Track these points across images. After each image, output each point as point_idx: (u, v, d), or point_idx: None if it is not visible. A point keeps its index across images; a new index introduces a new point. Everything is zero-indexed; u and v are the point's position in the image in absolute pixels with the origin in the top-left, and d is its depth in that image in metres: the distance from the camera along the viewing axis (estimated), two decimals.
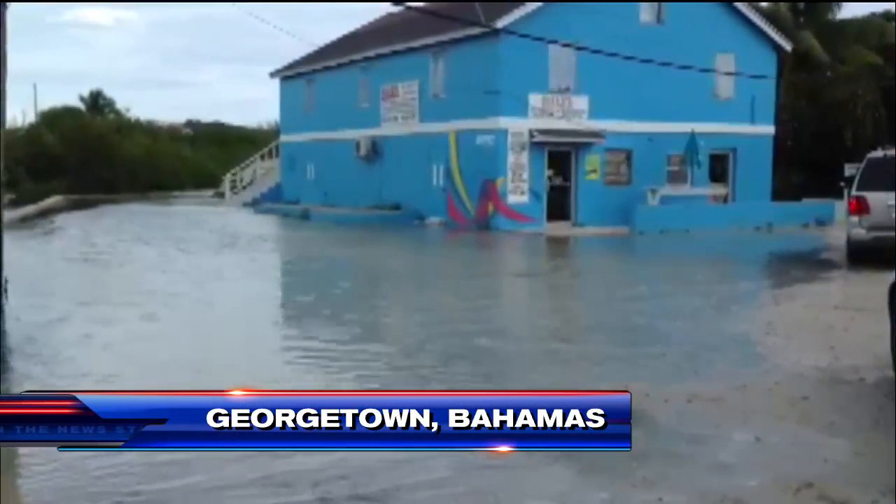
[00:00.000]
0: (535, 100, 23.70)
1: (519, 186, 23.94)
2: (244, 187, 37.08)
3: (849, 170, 23.37)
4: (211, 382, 7.23)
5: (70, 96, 54.31)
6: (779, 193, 27.28)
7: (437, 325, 10.04)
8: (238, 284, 13.34)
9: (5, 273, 11.78)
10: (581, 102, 24.28)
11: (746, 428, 6.07)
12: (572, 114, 24.18)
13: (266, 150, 37.98)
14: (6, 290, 11.57)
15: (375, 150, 28.48)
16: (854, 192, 14.83)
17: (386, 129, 28.12)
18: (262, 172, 37.31)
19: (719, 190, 26.27)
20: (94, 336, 9.28)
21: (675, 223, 23.03)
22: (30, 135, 44.10)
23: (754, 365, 8.03)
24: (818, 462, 5.33)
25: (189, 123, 58.48)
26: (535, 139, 23.65)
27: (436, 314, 10.73)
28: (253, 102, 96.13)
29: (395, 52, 27.27)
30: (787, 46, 27.18)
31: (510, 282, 14.91)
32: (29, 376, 7.57)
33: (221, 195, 37.47)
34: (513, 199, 23.84)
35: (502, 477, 5.04)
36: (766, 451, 5.63)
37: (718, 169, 26.78)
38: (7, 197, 33.40)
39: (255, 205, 33.69)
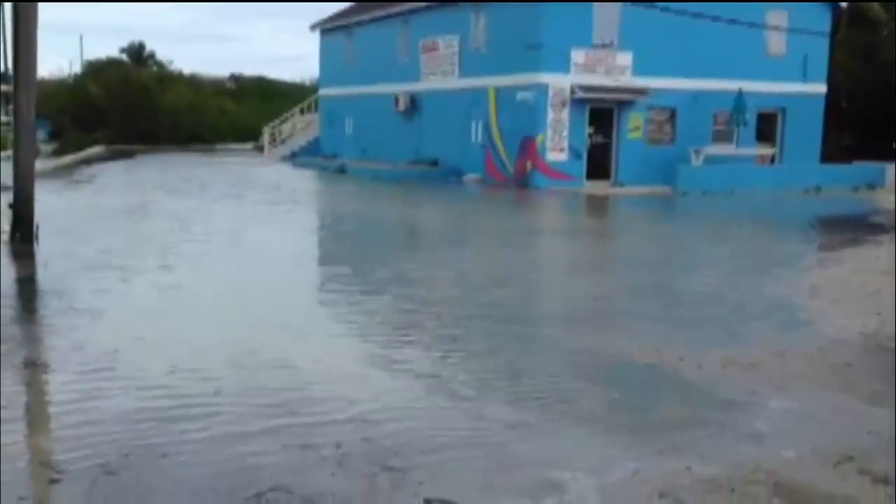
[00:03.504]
0: (577, 55, 23.13)
1: (559, 144, 23.48)
2: (283, 141, 37.00)
3: None
4: (230, 337, 7.12)
5: (116, 49, 54.27)
6: (828, 155, 26.46)
7: (472, 281, 9.83)
8: (264, 239, 13.21)
9: (37, 219, 11.87)
10: (625, 58, 23.64)
11: (784, 395, 5.80)
12: (615, 70, 23.58)
13: (305, 103, 37.78)
14: (38, 236, 11.64)
15: (414, 105, 28.14)
16: None
17: (425, 84, 27.73)
18: (301, 126, 37.17)
19: (766, 150, 25.54)
20: (114, 289, 9.21)
21: (720, 184, 22.45)
22: (75, 85, 44.47)
23: (795, 330, 7.72)
24: (860, 434, 5.04)
25: (232, 77, 58.42)
26: (577, 96, 23.12)
27: (471, 272, 10.51)
28: (298, 58, 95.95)
29: (436, 5, 26.77)
30: (843, 2, 26.14)
31: (547, 240, 14.62)
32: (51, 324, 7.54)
33: (261, 149, 37.45)
34: (552, 156, 23.40)
35: (524, 443, 4.84)
36: (804, 420, 5.36)
37: (766, 129, 26.01)
38: (51, 146, 34.18)
39: (293, 158, 33.62)
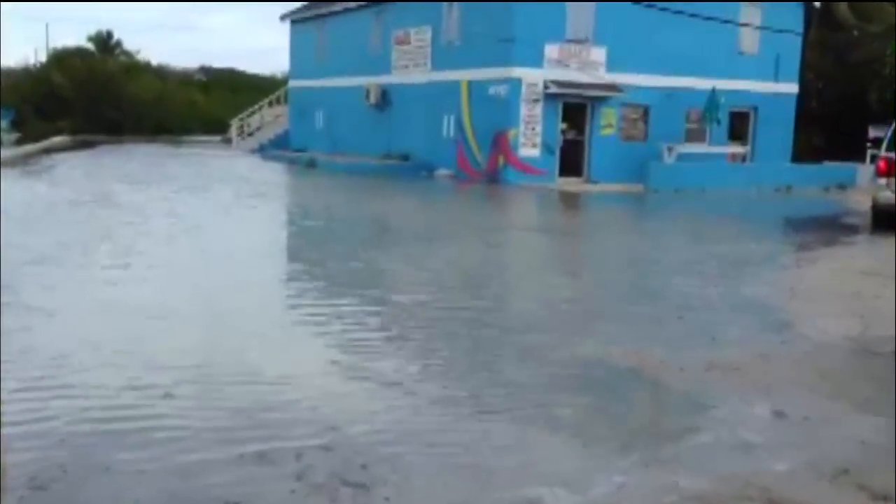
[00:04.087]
0: (551, 50, 22.84)
1: (531, 139, 23.19)
2: (251, 134, 36.38)
3: (873, 131, 22.56)
4: (173, 327, 6.70)
5: (84, 39, 53.12)
6: (800, 155, 26.44)
7: (440, 281, 9.48)
8: (226, 234, 12.74)
9: None
10: (599, 54, 23.39)
11: (771, 402, 5.52)
12: (589, 65, 23.31)
13: (274, 96, 37.18)
14: None
15: (385, 98, 27.70)
16: (883, 153, 14.09)
17: (397, 77, 27.31)
18: (270, 119, 36.57)
19: (738, 149, 25.45)
20: (64, 282, 8.74)
21: (692, 182, 22.28)
22: (38, 74, 43.44)
23: (778, 332, 7.45)
24: (854, 444, 4.77)
25: (202, 69, 57.53)
26: (550, 91, 22.83)
27: (440, 270, 10.15)
28: (269, 51, 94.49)
29: None
30: (816, 2, 26.11)
31: (519, 237, 14.30)
32: None
33: (229, 141, 36.81)
34: (524, 151, 23.10)
35: (496, 458, 4.50)
36: (794, 429, 5.07)
37: (738, 127, 25.92)
38: (14, 135, 33.32)
39: (262, 151, 33.02)
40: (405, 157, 26.07)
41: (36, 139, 31.96)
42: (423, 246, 11.86)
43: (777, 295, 9.12)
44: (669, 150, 23.43)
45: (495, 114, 23.10)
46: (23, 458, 4.23)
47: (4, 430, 4.53)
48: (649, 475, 4.31)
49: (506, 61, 22.56)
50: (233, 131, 36.77)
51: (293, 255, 11.78)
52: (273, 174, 25.00)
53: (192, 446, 4.49)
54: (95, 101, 39.58)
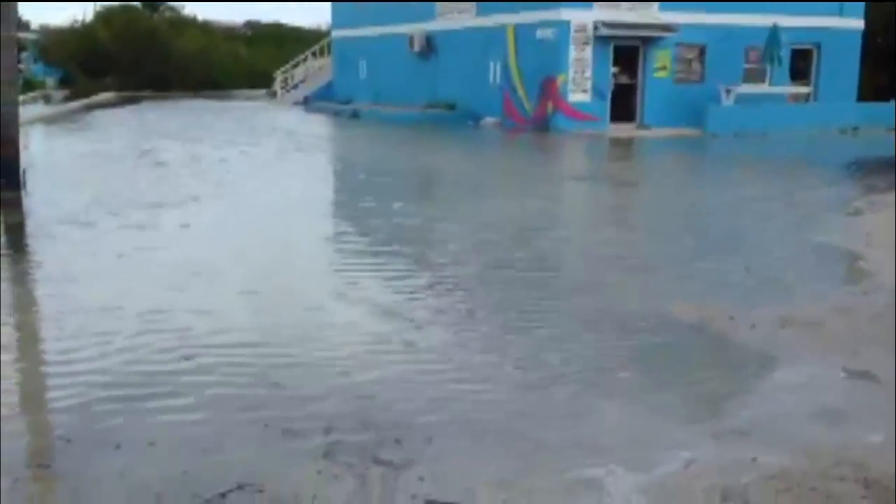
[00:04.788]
0: None
1: (581, 84, 22.29)
2: (295, 86, 35.90)
3: None
4: (205, 285, 6.30)
5: None
6: (865, 94, 25.09)
7: (490, 235, 8.94)
8: (268, 188, 12.31)
9: (26, 164, 11.12)
10: None
11: (856, 361, 4.91)
12: (641, 5, 22.24)
13: (318, 46, 36.56)
14: (25, 183, 10.88)
15: (430, 45, 26.92)
16: None
17: (441, 23, 26.48)
18: (313, 71, 36.02)
19: (800, 89, 24.21)
20: (105, 240, 8.41)
21: (752, 124, 21.26)
22: (85, 32, 43.40)
23: (856, 282, 6.80)
24: None
25: (248, 24, 57.15)
26: (600, 33, 21.85)
27: (492, 220, 9.60)
28: (313, 3, 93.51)
29: None
30: None
31: (571, 187, 13.65)
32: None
33: (274, 94, 36.41)
34: (574, 97, 22.23)
35: (553, 426, 4.00)
36: (885, 393, 4.47)
37: (800, 66, 24.64)
38: (62, 93, 33.42)
39: (305, 103, 32.56)
40: (450, 106, 25.36)
41: (82, 96, 31.94)
42: (472, 198, 11.29)
43: (852, 242, 8.40)
44: (727, 91, 22.35)
45: (543, 58, 22.23)
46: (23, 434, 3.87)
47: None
48: (721, 449, 3.78)
49: (554, 3, 21.63)
50: (277, 84, 36.35)
51: (336, 210, 11.32)
52: (316, 126, 24.55)
53: (210, 417, 4.08)
54: (141, 56, 39.41)
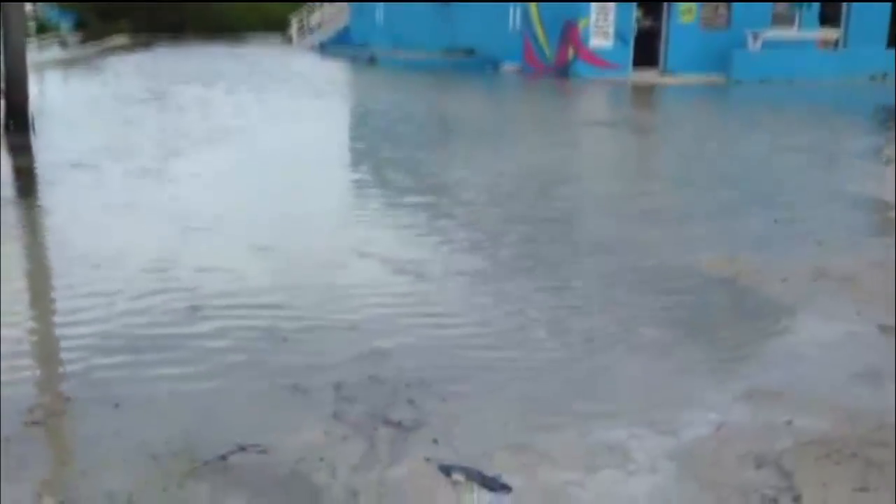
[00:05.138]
0: None
1: (603, 29, 21.68)
2: (312, 31, 35.32)
3: None
4: (214, 236, 6.09)
5: None
6: (894, 39, 24.29)
7: (512, 184, 8.66)
8: (282, 134, 12.03)
9: (33, 109, 10.91)
10: None
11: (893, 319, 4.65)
12: None
13: None
14: (34, 126, 10.69)
15: None
16: None
17: None
18: (330, 16, 35.39)
19: (829, 34, 23.44)
20: (111, 185, 8.21)
21: (778, 71, 20.66)
22: None
23: (892, 234, 6.48)
24: None
25: None
26: None
27: (514, 170, 9.30)
28: None
29: None
30: None
31: (593, 135, 13.27)
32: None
33: (289, 40, 35.87)
34: (596, 42, 21.66)
35: (575, 386, 3.79)
36: None
37: (829, 10, 23.84)
38: (76, 37, 33.06)
39: (321, 49, 32.05)
40: (469, 52, 24.81)
41: (96, 40, 31.58)
42: (494, 148, 10.93)
43: (887, 192, 8.05)
44: (754, 36, 21.68)
45: (564, 2, 21.62)
46: (19, 385, 3.70)
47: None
48: (754, 411, 3.56)
49: None
50: (293, 29, 35.78)
51: (352, 159, 11.04)
52: (332, 71, 24.12)
53: (216, 370, 3.89)
54: (155, 1, 38.87)
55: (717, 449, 3.25)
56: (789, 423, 3.44)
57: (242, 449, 3.20)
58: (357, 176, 9.27)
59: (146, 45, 31.94)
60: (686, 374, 3.93)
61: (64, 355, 4.13)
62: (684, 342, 4.33)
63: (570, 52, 21.68)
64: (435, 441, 3.27)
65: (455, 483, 2.98)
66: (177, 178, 8.42)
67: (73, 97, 15.48)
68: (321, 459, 3.14)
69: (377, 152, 10.48)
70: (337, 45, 32.06)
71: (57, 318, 4.71)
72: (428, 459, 3.14)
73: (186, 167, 8.92)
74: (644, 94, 19.47)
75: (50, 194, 7.74)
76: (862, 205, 7.58)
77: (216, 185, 8.26)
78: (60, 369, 4.00)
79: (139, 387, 3.72)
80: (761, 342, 4.36)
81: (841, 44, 23.84)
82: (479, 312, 4.71)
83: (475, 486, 2.96)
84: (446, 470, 3.06)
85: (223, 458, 3.15)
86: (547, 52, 22.43)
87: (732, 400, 3.66)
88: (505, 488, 2.96)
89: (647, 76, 21.47)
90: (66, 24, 38.15)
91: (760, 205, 7.49)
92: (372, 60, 26.62)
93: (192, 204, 7.24)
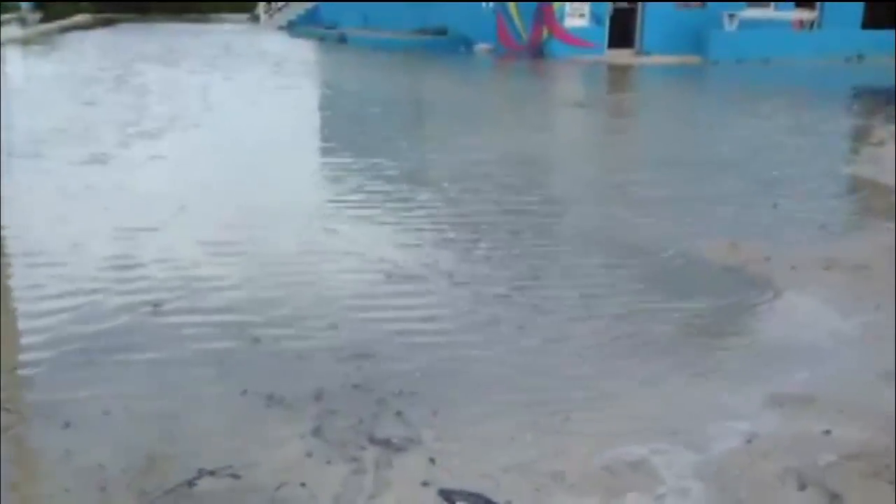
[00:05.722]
0: None
1: (578, 8, 21.27)
2: (279, 9, 34.54)
3: None
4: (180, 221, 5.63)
5: None
6: (869, 20, 24.15)
7: (490, 168, 8.25)
8: (244, 115, 11.51)
9: None
10: None
11: None
12: None
13: None
14: None
15: None
16: None
17: None
18: None
19: (805, 14, 23.26)
20: (53, 169, 7.68)
21: (754, 51, 20.42)
22: None
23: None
24: None
25: None
26: None
27: (486, 149, 8.89)
28: None
29: None
30: None
31: (572, 116, 12.88)
32: None
33: (256, 18, 35.08)
34: (571, 22, 21.26)
35: (582, 394, 3.40)
36: None
37: None
38: (37, 15, 32.03)
39: (290, 28, 31.34)
40: (441, 32, 24.28)
41: (58, 18, 30.60)
42: (469, 131, 10.49)
43: (883, 174, 7.76)
44: (731, 16, 21.41)
45: None
46: None
47: None
48: (787, 420, 3.20)
49: None
50: (260, 8, 34.98)
51: (321, 142, 10.56)
52: (300, 51, 23.46)
53: (181, 378, 3.46)
54: None
55: (752, 465, 2.89)
56: (828, 432, 3.08)
57: (211, 473, 2.77)
58: (328, 161, 8.80)
59: (109, 23, 31.01)
60: (702, 377, 3.56)
61: (5, 359, 3.67)
62: (695, 340, 3.96)
63: (545, 32, 21.26)
64: (431, 461, 2.87)
65: None
66: (136, 162, 7.89)
67: (31, 76, 14.78)
68: (303, 485, 2.73)
69: (350, 137, 10.00)
70: (305, 24, 31.36)
71: None
72: (425, 484, 2.74)
73: (146, 151, 8.38)
74: (621, 74, 19.12)
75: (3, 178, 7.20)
76: (860, 187, 7.28)
77: (177, 171, 7.75)
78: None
79: (92, 399, 3.27)
80: (780, 340, 4.00)
81: (816, 24, 23.68)
82: (465, 309, 4.30)
83: None
84: (448, 497, 2.66)
85: (190, 484, 2.72)
86: (521, 31, 21.99)
87: (760, 406, 3.29)
88: None
89: (623, 56, 21.12)
90: (27, 4, 37.02)
91: (755, 188, 7.15)
92: (342, 39, 26.01)
93: (152, 189, 6.74)
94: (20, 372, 3.54)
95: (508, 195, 6.79)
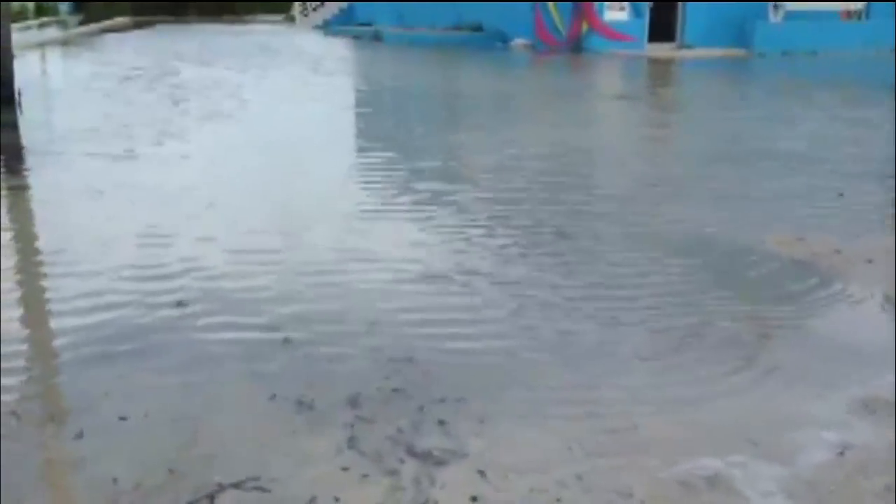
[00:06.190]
0: None
1: (618, 1, 20.88)
2: (314, 9, 34.44)
3: None
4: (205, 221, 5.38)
5: None
6: None
7: (538, 164, 7.91)
8: (282, 113, 11.27)
9: (20, 85, 10.24)
10: None
11: None
12: None
13: None
14: (21, 102, 10.02)
15: None
16: None
17: None
18: None
19: (852, 5, 22.60)
20: (101, 166, 7.49)
21: (801, 43, 19.84)
22: None
23: None
24: None
25: None
26: None
27: (533, 153, 8.54)
28: None
29: None
30: None
31: (613, 106, 12.48)
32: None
33: (292, 19, 35.05)
34: (610, 15, 20.84)
35: (650, 401, 3.06)
36: None
37: None
38: (76, 17, 32.34)
39: (325, 28, 31.22)
40: (477, 28, 23.96)
41: (96, 21, 30.82)
42: (508, 129, 10.18)
43: None
44: (776, 7, 20.84)
45: None
46: None
47: None
48: (881, 429, 2.83)
49: None
50: (296, 9, 34.92)
51: (359, 140, 10.30)
52: (336, 49, 23.28)
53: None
54: None
55: (848, 481, 2.53)
56: None
57: (235, 486, 2.49)
58: (366, 160, 8.52)
59: (147, 25, 31.15)
60: (783, 377, 3.20)
61: (13, 361, 3.42)
62: (769, 338, 3.60)
63: (584, 26, 20.85)
64: (481, 474, 2.55)
65: None
66: (169, 160, 7.68)
67: (70, 76, 14.74)
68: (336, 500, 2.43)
69: (390, 134, 9.71)
70: (341, 23, 31.22)
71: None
72: (475, 500, 2.43)
73: (182, 148, 8.17)
74: (664, 67, 18.63)
75: (34, 174, 7.01)
76: None
77: (206, 171, 7.52)
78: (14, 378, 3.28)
79: (109, 401, 3.00)
80: (865, 337, 3.63)
81: (864, 15, 22.97)
82: (494, 303, 3.98)
83: None
84: None
85: (210, 498, 2.44)
86: (560, 26, 21.59)
87: (849, 413, 2.93)
88: None
89: (664, 50, 20.66)
90: (65, 6, 37.39)
91: (816, 180, 6.73)
92: (377, 37, 25.81)
93: (184, 186, 6.51)
94: (34, 373, 3.29)
95: (558, 190, 6.45)
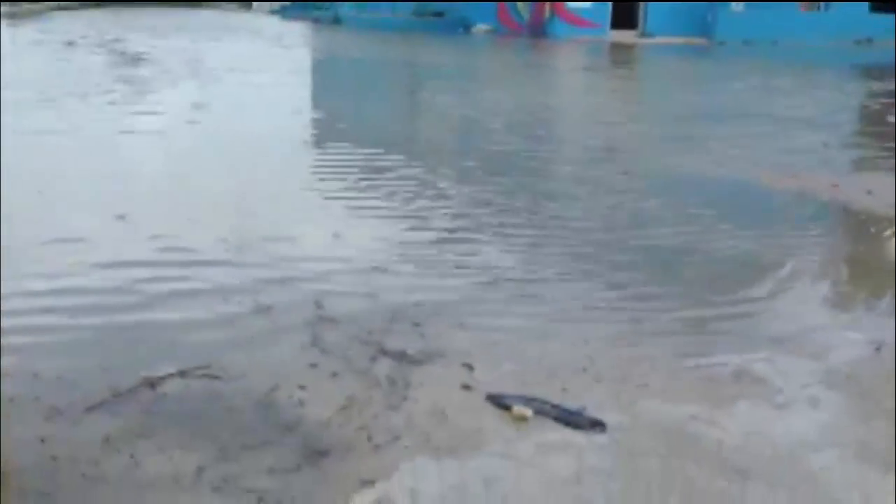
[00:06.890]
0: None
1: None
2: None
3: None
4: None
5: None
6: (879, 3, 23.59)
7: (494, 133, 7.57)
8: (234, 93, 10.76)
9: None
10: None
11: None
12: None
13: None
14: None
15: None
16: None
17: None
18: None
19: None
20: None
21: (761, 33, 19.81)
22: None
23: None
24: None
25: None
26: None
27: (488, 121, 8.19)
28: None
29: None
30: None
31: (579, 76, 12.17)
32: None
33: (248, 3, 34.37)
34: (573, 2, 20.64)
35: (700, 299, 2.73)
36: None
37: None
38: None
39: (283, 12, 30.62)
40: (439, 13, 23.60)
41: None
42: (475, 89, 9.81)
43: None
44: None
45: None
46: None
47: None
48: None
49: None
50: None
51: (310, 125, 9.86)
52: (292, 32, 22.67)
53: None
54: None
55: (884, 372, 2.21)
56: None
57: (182, 374, 2.09)
58: (322, 140, 8.10)
59: (99, 4, 30.23)
60: (808, 289, 2.89)
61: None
62: (805, 265, 3.28)
63: (547, 11, 20.63)
64: (468, 367, 2.19)
65: (518, 418, 1.90)
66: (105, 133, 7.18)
67: (16, 44, 14.04)
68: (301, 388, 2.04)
69: (338, 131, 9.29)
70: (299, 8, 30.64)
71: None
72: (467, 387, 2.06)
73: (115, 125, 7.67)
74: (626, 51, 18.42)
75: None
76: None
77: (160, 139, 7.04)
78: None
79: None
80: (882, 252, 3.34)
81: (823, 5, 23.10)
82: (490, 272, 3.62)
83: (552, 423, 1.89)
84: (499, 402, 1.98)
85: (152, 385, 2.04)
86: (522, 11, 21.36)
87: (881, 315, 2.62)
88: (597, 426, 1.88)
89: (627, 37, 20.50)
90: None
91: (799, 140, 6.49)
92: (336, 21, 25.33)
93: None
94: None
95: (535, 144, 6.12)
